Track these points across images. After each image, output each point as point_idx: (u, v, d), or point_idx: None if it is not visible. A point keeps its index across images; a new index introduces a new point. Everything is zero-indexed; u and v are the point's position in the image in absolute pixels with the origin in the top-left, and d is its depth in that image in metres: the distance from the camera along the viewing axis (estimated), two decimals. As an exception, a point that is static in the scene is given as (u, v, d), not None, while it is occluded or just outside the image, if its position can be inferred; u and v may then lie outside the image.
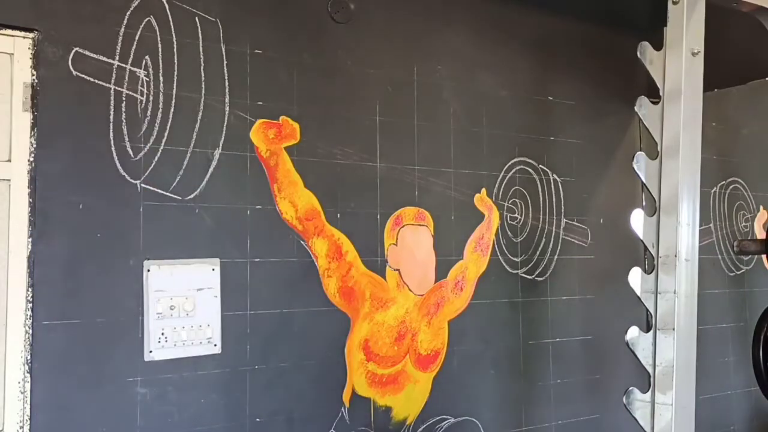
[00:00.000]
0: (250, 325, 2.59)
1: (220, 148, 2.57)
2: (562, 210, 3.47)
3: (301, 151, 2.74)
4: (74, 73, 2.32)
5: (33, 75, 2.27)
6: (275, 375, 2.63)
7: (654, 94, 2.59)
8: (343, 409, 2.77)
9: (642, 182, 2.61)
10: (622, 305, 3.23)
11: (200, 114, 2.54)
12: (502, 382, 3.21)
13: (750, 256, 4.17)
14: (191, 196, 2.50)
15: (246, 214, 2.61)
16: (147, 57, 2.45)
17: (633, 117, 3.20)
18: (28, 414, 2.19)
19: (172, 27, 2.50)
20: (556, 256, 3.43)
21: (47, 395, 2.22)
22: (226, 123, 2.58)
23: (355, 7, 2.90)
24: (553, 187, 3.45)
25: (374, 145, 2.92)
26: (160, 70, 2.47)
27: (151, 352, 2.39)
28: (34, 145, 2.26)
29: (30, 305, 2.21)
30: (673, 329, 2.41)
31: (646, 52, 2.60)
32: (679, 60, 2.50)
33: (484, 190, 3.22)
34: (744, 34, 3.11)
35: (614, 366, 3.44)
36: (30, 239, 2.23)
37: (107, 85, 2.37)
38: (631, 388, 2.50)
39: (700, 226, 2.57)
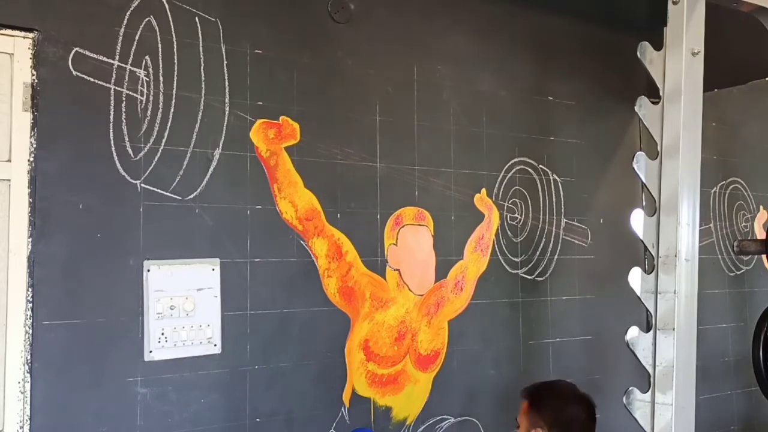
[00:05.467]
0: (250, 325, 2.59)
1: (220, 148, 2.57)
2: (562, 210, 3.47)
3: (301, 151, 2.74)
4: (74, 73, 2.32)
5: (33, 75, 2.27)
6: (275, 375, 2.63)
7: (654, 94, 2.59)
8: (343, 409, 2.78)
9: (642, 182, 2.61)
10: (622, 305, 3.23)
11: (200, 114, 2.54)
12: (502, 382, 3.21)
13: (750, 256, 4.17)
14: (191, 196, 2.50)
15: (246, 214, 2.61)
16: (147, 57, 2.45)
17: (633, 117, 3.19)
18: (28, 414, 2.19)
19: (172, 27, 2.50)
20: (556, 256, 3.43)
21: (47, 395, 2.22)
22: (226, 123, 2.58)
23: (355, 7, 2.90)
24: (553, 187, 3.45)
25: (374, 145, 2.92)
26: (160, 70, 2.47)
27: (151, 352, 2.39)
28: (34, 145, 2.26)
29: (30, 305, 2.21)
30: (673, 329, 2.41)
31: (646, 52, 2.60)
32: (679, 60, 2.51)
33: (484, 190, 3.22)
34: (744, 34, 3.11)
35: (614, 366, 3.44)
36: (30, 239, 2.23)
37: (107, 85, 2.37)
38: (631, 388, 2.50)
39: (700, 226, 2.57)
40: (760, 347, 3.01)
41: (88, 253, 2.31)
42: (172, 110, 2.48)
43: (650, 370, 2.46)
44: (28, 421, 2.19)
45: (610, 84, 3.62)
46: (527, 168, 3.36)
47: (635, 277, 2.53)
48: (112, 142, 2.37)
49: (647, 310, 2.51)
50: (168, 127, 2.47)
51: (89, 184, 2.32)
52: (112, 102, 2.38)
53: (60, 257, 2.26)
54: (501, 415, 3.19)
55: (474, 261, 3.17)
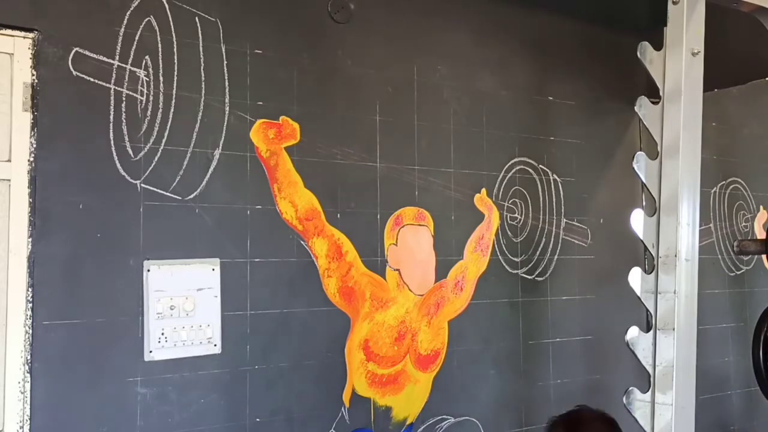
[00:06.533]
0: (250, 325, 2.59)
1: (220, 148, 2.57)
2: (562, 210, 3.47)
3: (301, 151, 2.74)
4: (74, 73, 2.32)
5: (33, 75, 2.27)
6: (275, 375, 2.63)
7: (654, 94, 2.59)
8: (343, 409, 2.78)
9: (642, 182, 2.61)
10: (622, 305, 3.23)
11: (200, 114, 2.54)
12: (502, 382, 3.21)
13: (750, 256, 4.17)
14: (191, 196, 2.50)
15: (246, 214, 2.61)
16: (147, 57, 2.45)
17: (633, 117, 3.19)
18: (28, 414, 2.19)
19: (172, 27, 2.50)
20: (556, 256, 3.42)
21: (47, 395, 2.22)
22: (226, 123, 2.58)
23: (355, 7, 2.90)
24: (553, 187, 3.45)
25: (374, 145, 2.92)
26: (160, 70, 2.47)
27: (151, 352, 2.39)
28: (34, 145, 2.26)
29: (30, 305, 2.21)
30: (673, 329, 2.41)
31: (646, 52, 2.60)
32: (679, 60, 2.51)
33: (484, 190, 3.22)
34: (744, 34, 3.11)
35: (614, 366, 3.44)
36: (30, 239, 2.23)
37: (107, 85, 2.37)
38: (631, 388, 2.50)
39: (700, 226, 2.57)
40: (760, 347, 3.01)
41: (88, 253, 2.31)
42: (172, 110, 2.48)
43: (650, 370, 2.46)
44: (28, 421, 2.19)
45: (610, 84, 3.62)
46: (527, 168, 3.36)
47: (635, 277, 2.53)
48: (112, 142, 2.37)
49: (647, 310, 2.51)
50: (168, 127, 2.47)
51: (89, 184, 2.32)
52: (112, 102, 2.38)
53: (60, 257, 2.26)
54: (501, 415, 3.20)
55: (474, 261, 3.17)
